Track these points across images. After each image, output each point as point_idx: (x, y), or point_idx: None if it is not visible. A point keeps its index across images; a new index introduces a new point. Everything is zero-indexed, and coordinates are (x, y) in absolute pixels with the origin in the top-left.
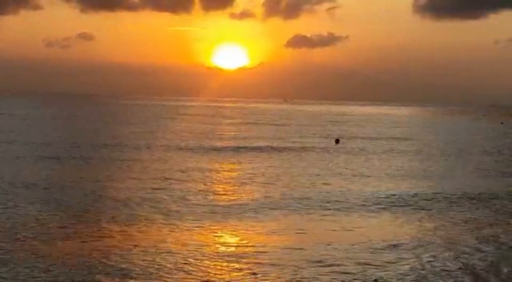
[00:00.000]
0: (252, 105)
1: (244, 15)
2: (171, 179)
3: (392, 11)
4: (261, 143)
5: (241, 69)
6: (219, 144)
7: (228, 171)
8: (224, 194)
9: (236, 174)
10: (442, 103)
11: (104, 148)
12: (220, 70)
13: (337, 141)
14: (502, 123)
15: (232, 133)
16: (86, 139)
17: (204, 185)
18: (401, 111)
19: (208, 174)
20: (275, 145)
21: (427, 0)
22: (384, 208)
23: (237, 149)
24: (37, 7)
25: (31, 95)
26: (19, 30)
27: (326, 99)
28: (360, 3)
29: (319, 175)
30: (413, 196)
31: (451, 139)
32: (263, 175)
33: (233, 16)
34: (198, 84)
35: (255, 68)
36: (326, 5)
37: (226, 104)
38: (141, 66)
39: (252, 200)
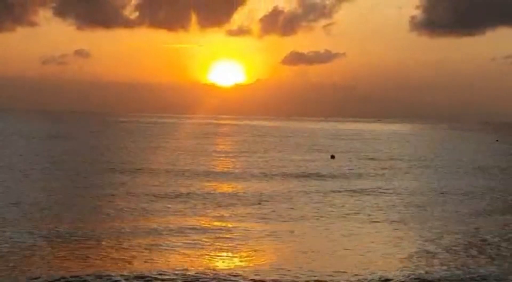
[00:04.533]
0: (248, 122)
1: (241, 32)
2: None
3: (388, 28)
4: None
5: (238, 86)
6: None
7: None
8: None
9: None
10: (438, 120)
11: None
12: (216, 87)
13: (332, 157)
14: (497, 140)
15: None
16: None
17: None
18: (402, 128)
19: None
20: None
21: (424, 17)
22: None
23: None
24: (33, 24)
25: (28, 113)
26: (15, 47)
27: (323, 116)
28: (356, 20)
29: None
30: None
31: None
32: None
33: (229, 33)
34: (195, 101)
35: (252, 85)
36: (322, 22)
37: (223, 122)
38: (138, 83)
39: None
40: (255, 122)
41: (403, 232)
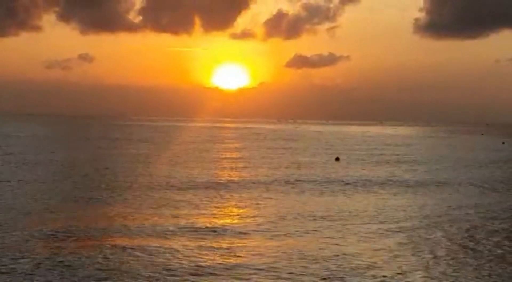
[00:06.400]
0: (252, 125)
1: (245, 35)
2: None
3: (392, 30)
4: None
5: (242, 89)
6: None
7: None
8: None
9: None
10: (443, 122)
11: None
12: (220, 90)
13: (337, 159)
14: (503, 143)
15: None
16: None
17: None
18: (408, 132)
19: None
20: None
21: (428, 19)
22: None
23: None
24: (37, 29)
25: (32, 117)
26: (20, 52)
27: (327, 119)
28: (360, 23)
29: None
30: None
31: None
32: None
33: (233, 36)
34: (198, 104)
35: (256, 88)
36: (326, 25)
37: (227, 125)
38: (141, 87)
39: None
40: (259, 126)
41: None
